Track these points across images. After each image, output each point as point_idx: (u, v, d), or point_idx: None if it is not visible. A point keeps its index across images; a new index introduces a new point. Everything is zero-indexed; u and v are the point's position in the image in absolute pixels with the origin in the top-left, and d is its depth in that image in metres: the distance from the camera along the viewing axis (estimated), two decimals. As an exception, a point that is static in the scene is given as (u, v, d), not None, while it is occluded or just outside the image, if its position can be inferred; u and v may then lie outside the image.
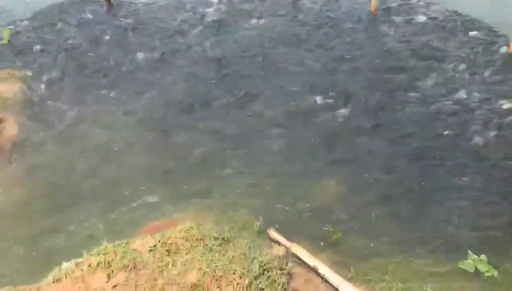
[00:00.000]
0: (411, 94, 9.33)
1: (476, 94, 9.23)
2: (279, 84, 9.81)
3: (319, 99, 9.31)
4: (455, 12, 11.74)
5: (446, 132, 8.38)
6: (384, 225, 6.79)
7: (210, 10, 12.42)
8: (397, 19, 11.71)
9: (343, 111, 9.03)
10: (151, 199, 7.41)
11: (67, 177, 8.16)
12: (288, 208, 6.96)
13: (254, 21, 11.96)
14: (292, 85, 9.76)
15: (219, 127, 8.87)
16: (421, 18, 11.66)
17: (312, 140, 8.44)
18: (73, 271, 6.04)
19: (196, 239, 6.48)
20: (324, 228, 6.49)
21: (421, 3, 12.31)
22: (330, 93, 9.44)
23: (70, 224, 7.19)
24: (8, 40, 11.53)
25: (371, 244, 6.45)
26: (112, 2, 13.05)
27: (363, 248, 6.42)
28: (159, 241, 6.46)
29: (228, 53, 10.83)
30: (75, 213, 7.35)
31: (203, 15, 12.31)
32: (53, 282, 5.91)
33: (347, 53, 10.56)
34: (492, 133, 8.32)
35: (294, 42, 11.12)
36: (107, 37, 11.75)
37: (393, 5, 12.30)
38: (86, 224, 7.17)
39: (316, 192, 7.27)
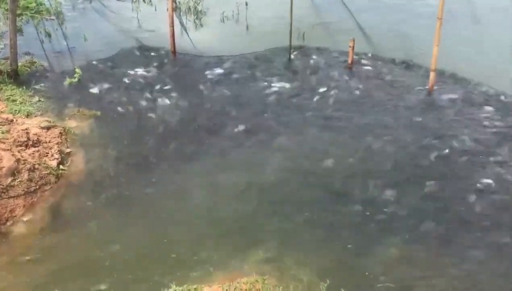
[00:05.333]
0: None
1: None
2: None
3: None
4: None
5: None
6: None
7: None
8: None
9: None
10: (219, 249, 7.62)
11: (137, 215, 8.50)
12: (357, 273, 7.08)
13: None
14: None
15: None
16: None
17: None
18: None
19: (262, 293, 6.65)
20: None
21: None
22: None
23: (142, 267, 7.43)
24: (79, 79, 12.17)
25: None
26: (176, 54, 13.76)
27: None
28: (226, 290, 6.63)
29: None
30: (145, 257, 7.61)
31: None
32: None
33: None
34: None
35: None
36: (166, 84, 12.38)
37: None
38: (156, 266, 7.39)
39: (390, 260, 7.40)
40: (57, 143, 9.79)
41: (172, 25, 13.38)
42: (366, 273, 7.18)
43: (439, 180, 9.19)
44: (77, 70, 12.39)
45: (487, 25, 14.31)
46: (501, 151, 9.89)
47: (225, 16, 15.31)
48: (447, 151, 9.93)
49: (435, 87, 11.80)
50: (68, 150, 9.88)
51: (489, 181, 9.14)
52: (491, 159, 9.71)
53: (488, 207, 8.61)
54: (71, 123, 10.65)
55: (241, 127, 10.76)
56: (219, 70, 12.90)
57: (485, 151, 9.93)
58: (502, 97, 11.48)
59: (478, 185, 9.08)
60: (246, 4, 15.58)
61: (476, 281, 7.20)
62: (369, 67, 12.90)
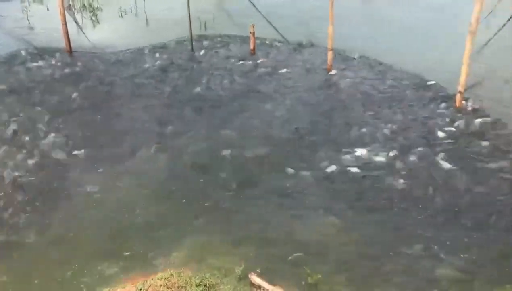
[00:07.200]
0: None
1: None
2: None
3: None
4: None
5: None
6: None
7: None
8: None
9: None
10: (132, 248, 7.37)
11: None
12: (270, 251, 7.15)
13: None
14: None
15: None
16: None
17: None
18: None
19: (178, 287, 6.53)
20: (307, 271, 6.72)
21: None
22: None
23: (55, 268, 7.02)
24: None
25: (350, 285, 6.70)
26: (72, 52, 13.13)
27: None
28: (140, 289, 6.44)
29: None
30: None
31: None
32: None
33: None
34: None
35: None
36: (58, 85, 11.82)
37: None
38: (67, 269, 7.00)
39: (299, 234, 7.53)
40: None
41: (64, 23, 12.75)
42: (277, 250, 7.29)
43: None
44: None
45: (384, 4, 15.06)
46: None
47: (122, 10, 14.87)
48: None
49: (333, 66, 12.17)
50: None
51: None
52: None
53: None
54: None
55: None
56: (114, 66, 12.51)
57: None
58: (396, 71, 12.09)
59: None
60: (144, -4, 15.25)
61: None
62: (270, 51, 13.09)
